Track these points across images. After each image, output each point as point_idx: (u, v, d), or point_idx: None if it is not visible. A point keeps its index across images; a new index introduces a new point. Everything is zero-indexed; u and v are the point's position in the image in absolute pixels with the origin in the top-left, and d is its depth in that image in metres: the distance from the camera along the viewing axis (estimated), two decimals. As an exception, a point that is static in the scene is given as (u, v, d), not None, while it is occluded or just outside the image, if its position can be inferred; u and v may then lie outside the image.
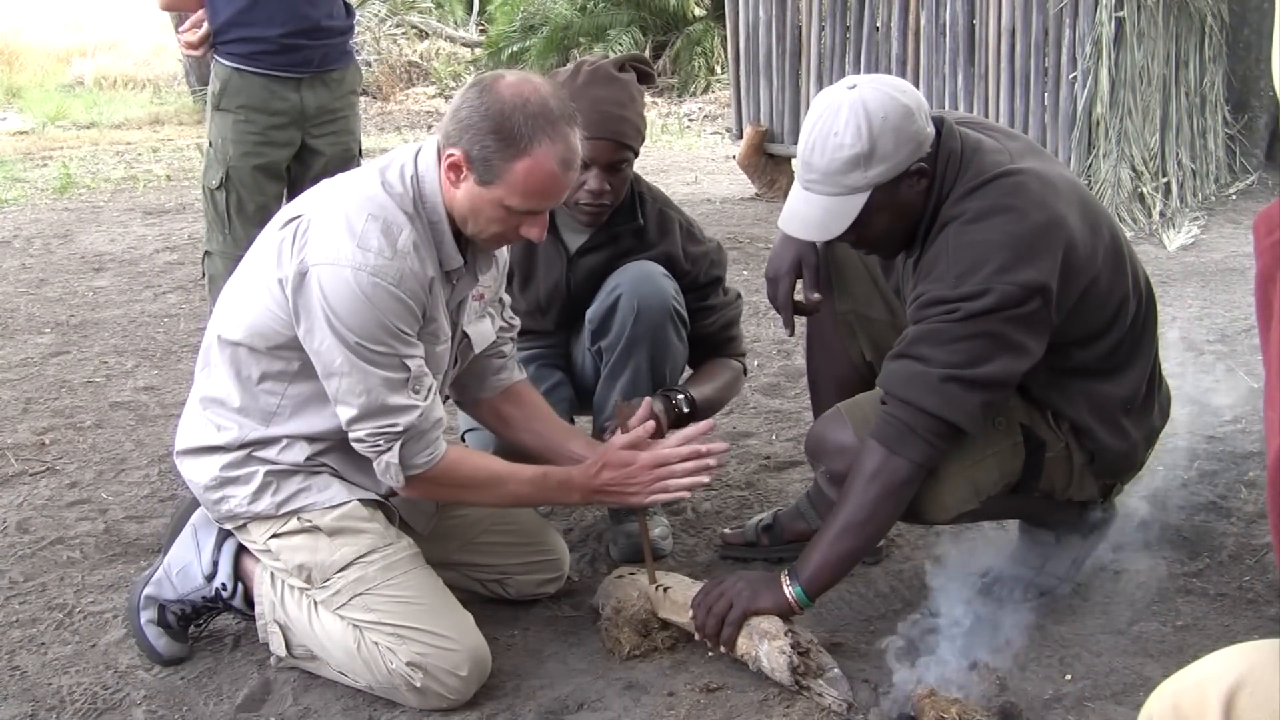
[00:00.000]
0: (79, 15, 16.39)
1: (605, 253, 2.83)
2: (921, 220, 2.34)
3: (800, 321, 2.70)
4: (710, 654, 2.39)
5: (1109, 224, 2.40)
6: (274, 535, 2.35)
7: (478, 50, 13.48)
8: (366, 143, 4.08)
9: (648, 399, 2.60)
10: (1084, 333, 2.37)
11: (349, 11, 3.87)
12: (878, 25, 6.70)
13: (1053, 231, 2.24)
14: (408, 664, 2.26)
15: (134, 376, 4.37)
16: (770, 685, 2.30)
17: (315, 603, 2.36)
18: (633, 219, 2.82)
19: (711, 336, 2.89)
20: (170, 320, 5.10)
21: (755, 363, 4.25)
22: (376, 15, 13.53)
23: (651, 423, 2.49)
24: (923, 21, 6.49)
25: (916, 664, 2.33)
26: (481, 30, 14.11)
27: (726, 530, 2.93)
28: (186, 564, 2.49)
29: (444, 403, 2.47)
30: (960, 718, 2.08)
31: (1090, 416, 2.43)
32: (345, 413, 2.23)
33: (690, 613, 2.38)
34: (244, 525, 2.38)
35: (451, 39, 14.08)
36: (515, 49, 12.14)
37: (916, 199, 2.31)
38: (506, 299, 2.61)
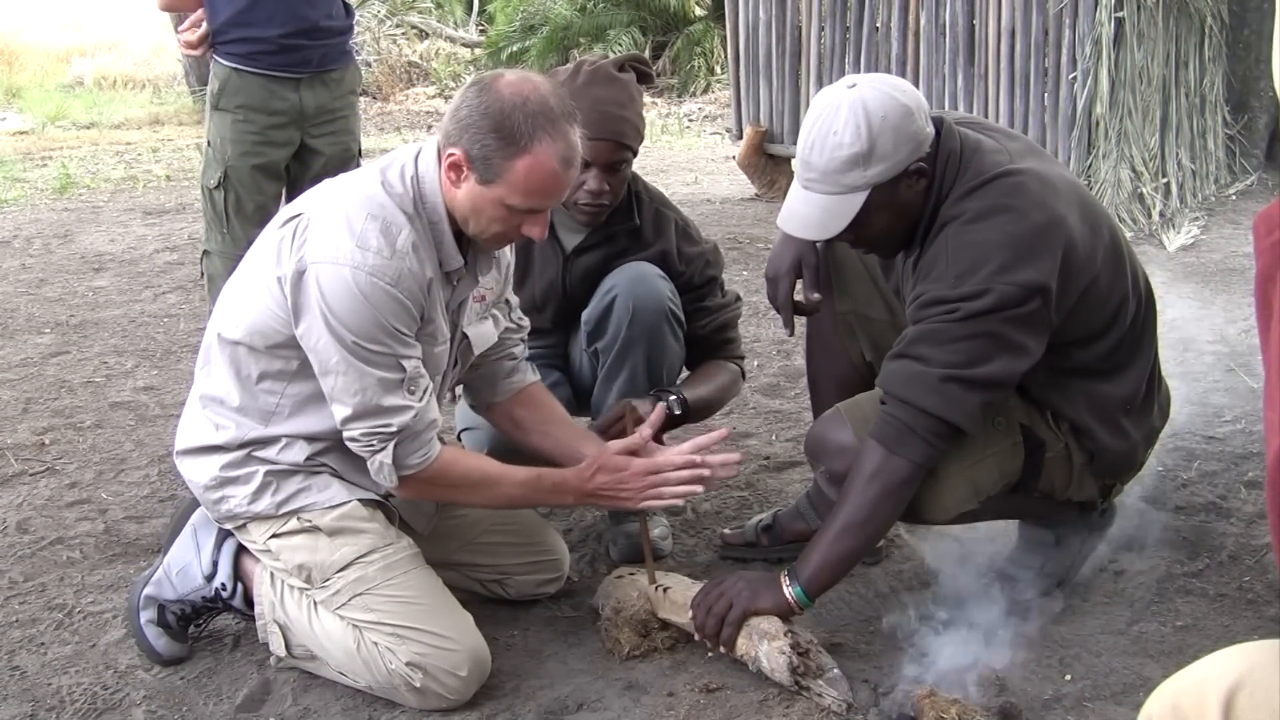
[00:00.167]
0: (79, 15, 16.39)
1: (601, 252, 2.83)
2: (920, 220, 2.34)
3: (800, 321, 2.70)
4: (710, 654, 2.39)
5: (1108, 224, 2.40)
6: (274, 535, 2.35)
7: (477, 50, 13.48)
8: (366, 143, 4.08)
9: (661, 405, 2.60)
10: (1084, 333, 2.37)
11: (348, 11, 3.87)
12: (878, 25, 6.70)
13: (1052, 232, 2.24)
14: (407, 664, 2.26)
15: (134, 376, 4.37)
16: (770, 685, 2.30)
17: (315, 603, 2.36)
18: (629, 219, 2.82)
19: (708, 338, 2.89)
20: (170, 320, 5.10)
21: (755, 363, 4.25)
22: (376, 15, 13.53)
23: (649, 429, 2.48)
24: (923, 22, 6.48)
25: (916, 664, 2.33)
26: (481, 30, 14.12)
27: (726, 530, 2.93)
28: (186, 564, 2.49)
29: (443, 404, 2.47)
30: (960, 718, 2.09)
31: (1090, 416, 2.43)
32: (340, 411, 2.23)
33: (690, 613, 2.38)
34: (244, 525, 2.38)
35: (451, 39, 14.09)
36: (515, 49, 12.14)
37: (915, 199, 2.31)
38: (514, 300, 2.61)
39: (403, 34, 13.79)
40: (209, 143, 3.77)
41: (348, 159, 3.85)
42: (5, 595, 2.79)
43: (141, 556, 2.95)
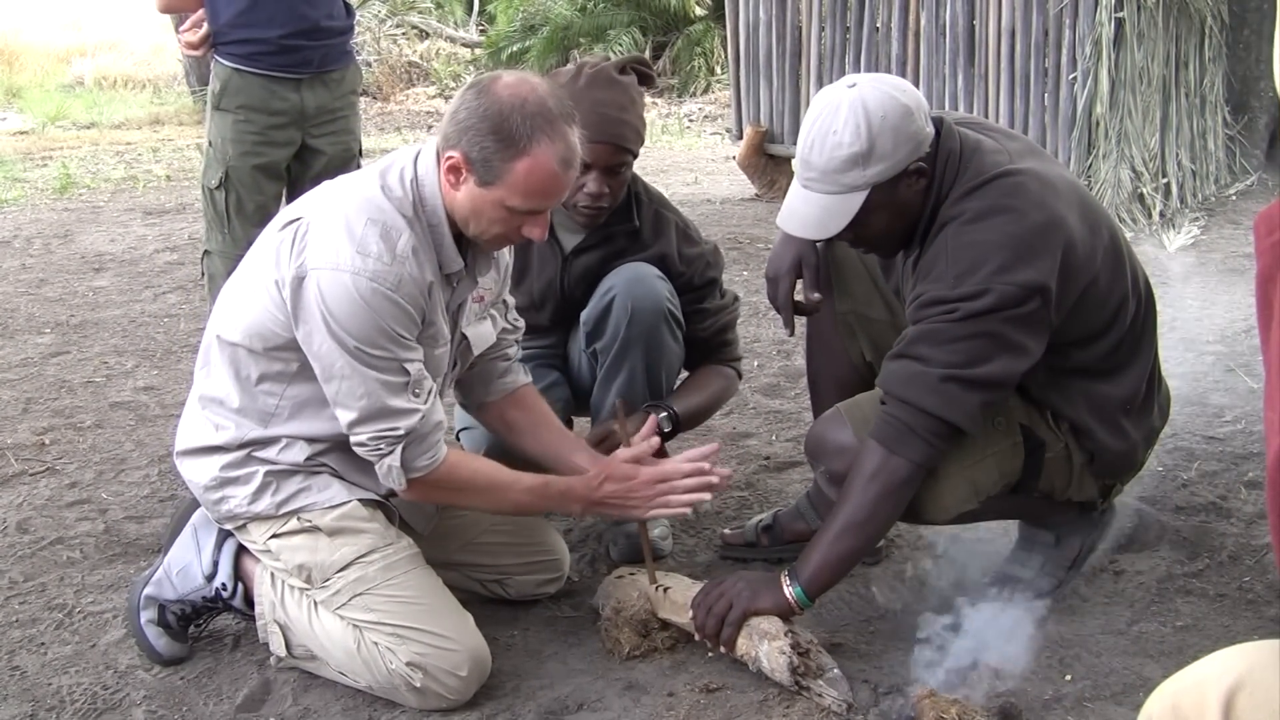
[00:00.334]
0: (79, 15, 16.40)
1: (599, 253, 2.83)
2: (920, 220, 2.34)
3: (800, 321, 2.70)
4: (710, 654, 2.39)
5: (1108, 224, 2.40)
6: (274, 535, 2.35)
7: (478, 50, 13.49)
8: (366, 143, 4.08)
9: (653, 416, 2.61)
10: (1083, 333, 2.37)
11: (349, 12, 3.87)
12: (878, 26, 6.70)
13: (1052, 232, 2.24)
14: (407, 664, 2.26)
15: (134, 376, 4.37)
16: (770, 685, 2.30)
17: (315, 603, 2.36)
18: (628, 220, 2.82)
19: (707, 340, 2.89)
20: (170, 320, 5.10)
21: (755, 363, 4.25)
22: (376, 15, 13.54)
23: (656, 439, 2.49)
24: (923, 22, 6.49)
25: (916, 664, 2.34)
26: (481, 30, 14.12)
27: (726, 531, 2.93)
28: (186, 564, 2.49)
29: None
30: (960, 718, 2.08)
31: (1090, 417, 2.43)
32: (345, 416, 2.23)
33: (690, 613, 2.38)
34: (244, 525, 2.38)
35: (451, 39, 14.09)
36: (515, 49, 12.15)
37: (915, 198, 2.31)
38: (510, 301, 2.61)
39: (403, 34, 13.80)
40: (210, 143, 3.77)
41: (348, 159, 3.85)
42: (5, 595, 2.79)
43: (142, 556, 2.95)
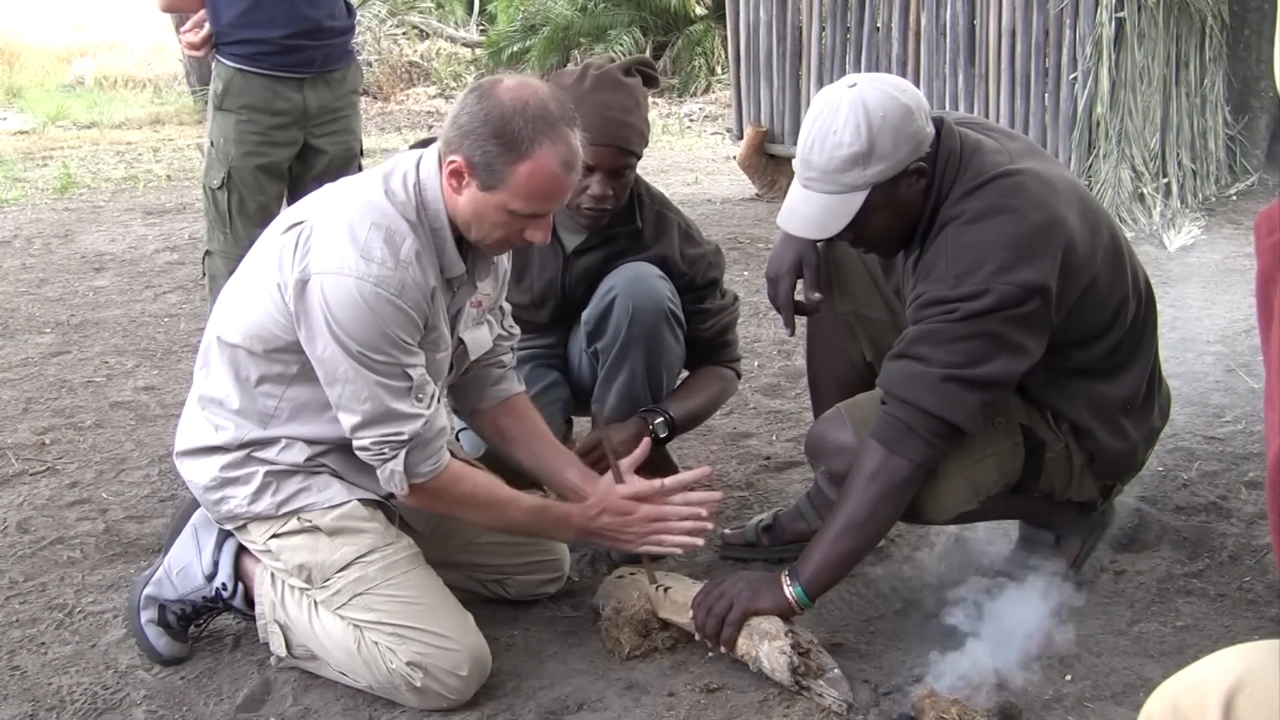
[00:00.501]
0: (79, 15, 16.41)
1: (601, 253, 2.83)
2: (920, 220, 2.34)
3: (800, 321, 2.70)
4: (710, 654, 2.39)
5: (1108, 224, 2.40)
6: (274, 535, 2.35)
7: (478, 50, 13.49)
8: (367, 143, 4.08)
9: (647, 440, 2.61)
10: (1084, 333, 2.37)
11: (350, 11, 3.88)
12: (878, 26, 6.70)
13: (1052, 232, 2.24)
14: (408, 664, 2.26)
15: (134, 376, 4.37)
16: (770, 685, 2.30)
17: (315, 603, 2.36)
18: (630, 221, 2.82)
19: (707, 341, 2.89)
20: (170, 320, 5.10)
21: (755, 363, 4.25)
22: (377, 15, 13.55)
23: (659, 483, 2.48)
24: (923, 22, 6.49)
25: (916, 664, 2.34)
26: (482, 30, 14.13)
27: (726, 531, 2.93)
28: (187, 564, 2.49)
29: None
30: (960, 718, 2.08)
31: (1090, 417, 2.43)
32: (348, 420, 2.23)
33: (690, 613, 2.38)
34: (244, 525, 2.38)
35: (452, 39, 14.10)
36: (516, 49, 12.16)
37: (915, 198, 2.31)
38: (507, 307, 2.61)
39: (403, 34, 13.80)
40: (212, 143, 3.77)
41: (350, 158, 3.86)
42: (6, 595, 2.79)
43: (142, 556, 2.95)
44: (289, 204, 3.51)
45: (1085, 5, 5.95)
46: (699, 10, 12.54)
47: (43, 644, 2.58)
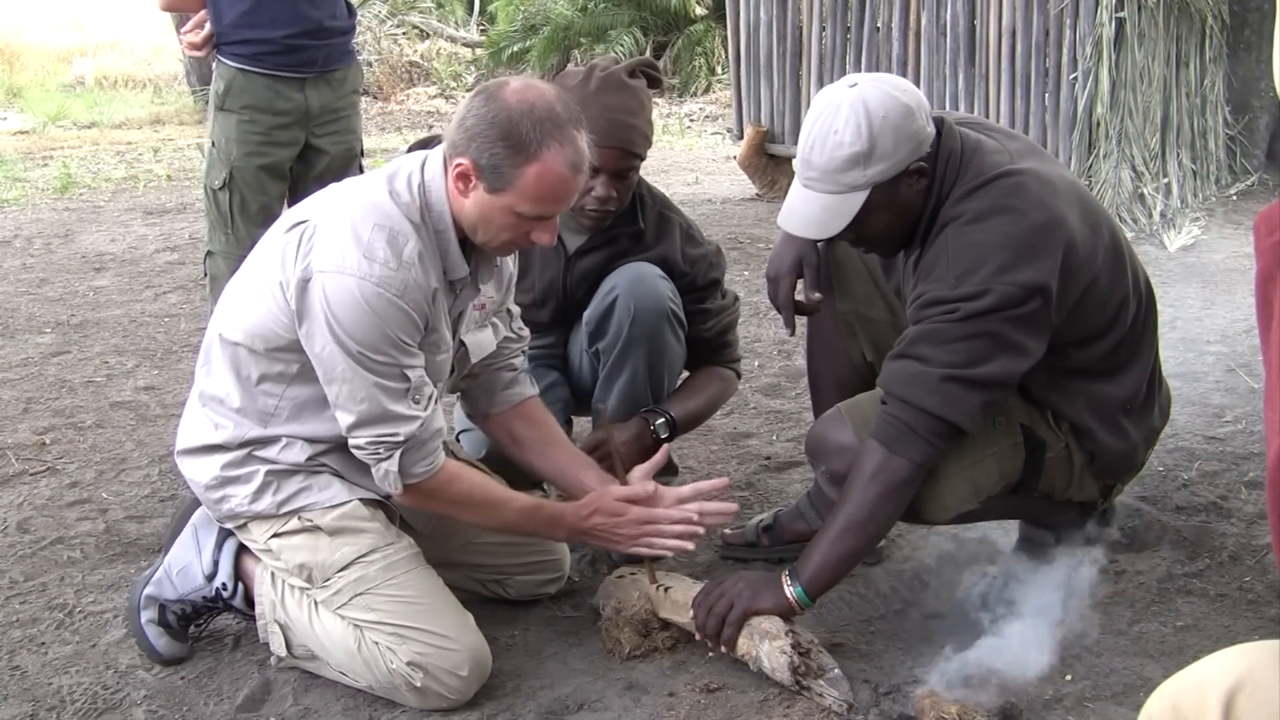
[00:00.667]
0: (80, 15, 16.41)
1: (603, 254, 2.83)
2: (921, 220, 2.34)
3: (801, 321, 2.70)
4: (710, 654, 2.39)
5: (1109, 224, 2.41)
6: (275, 534, 2.35)
7: (478, 50, 13.49)
8: (367, 143, 4.09)
9: (666, 447, 2.62)
10: (1084, 333, 2.37)
11: (351, 11, 3.88)
12: (878, 26, 6.70)
13: (1052, 232, 2.24)
14: (408, 664, 2.26)
15: (134, 376, 4.37)
16: (770, 685, 2.30)
17: (315, 602, 2.36)
18: (632, 222, 2.83)
19: (708, 341, 2.89)
20: (171, 320, 5.10)
21: (756, 363, 4.25)
22: (377, 15, 13.54)
23: (653, 485, 2.49)
24: (923, 22, 6.49)
25: (916, 664, 2.34)
26: (482, 30, 14.12)
27: (727, 530, 2.93)
28: (187, 564, 2.49)
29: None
30: (960, 717, 2.08)
31: (1090, 417, 2.43)
32: (345, 419, 2.24)
33: (691, 613, 2.38)
34: (245, 524, 2.38)
35: (452, 39, 14.09)
36: (516, 49, 12.15)
37: (916, 198, 2.31)
38: (515, 310, 2.61)
39: (403, 34, 13.80)
40: (213, 143, 3.77)
41: (350, 158, 3.86)
42: (6, 595, 2.79)
43: (142, 556, 2.95)
44: (290, 204, 3.52)
45: (1085, 5, 5.95)
46: (699, 10, 12.54)
47: (43, 644, 2.58)
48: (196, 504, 2.51)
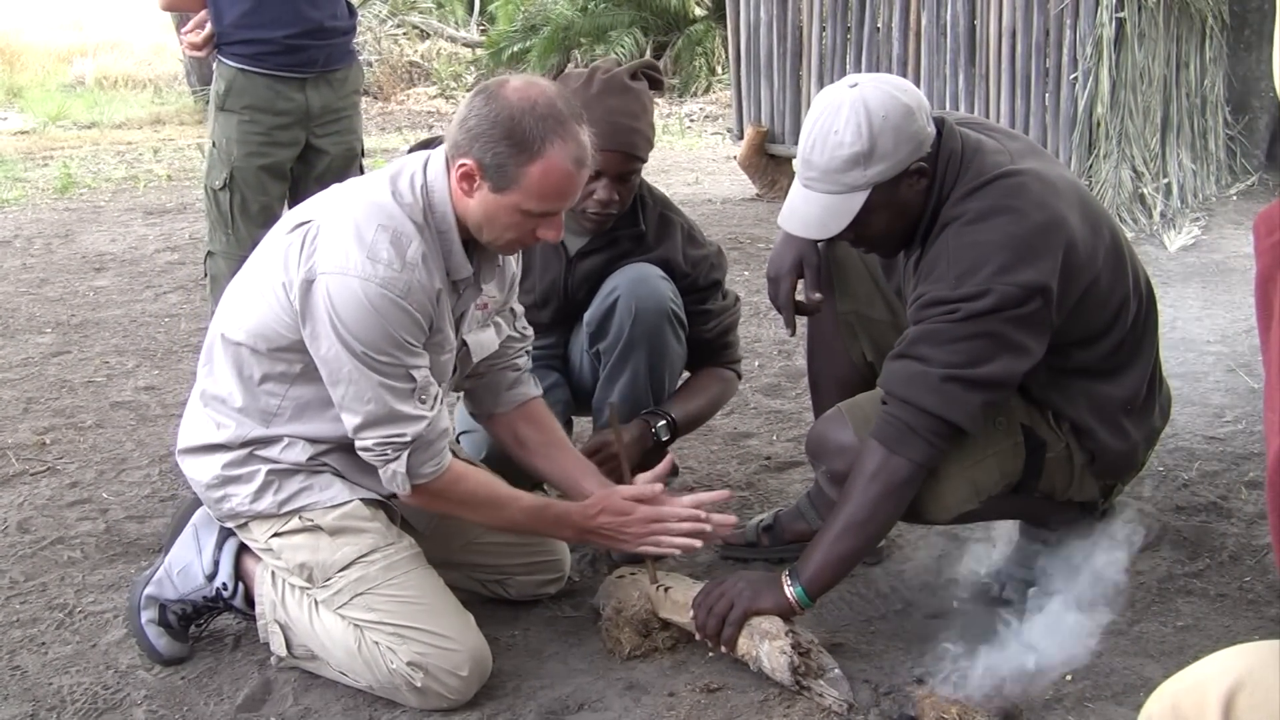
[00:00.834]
0: (80, 15, 16.42)
1: (604, 255, 2.83)
2: (921, 220, 2.34)
3: (801, 321, 2.70)
4: (711, 654, 2.39)
5: (1109, 224, 2.41)
6: (275, 534, 2.35)
7: (479, 50, 13.49)
8: (367, 143, 4.09)
9: (670, 457, 2.62)
10: (1084, 333, 2.37)
11: (351, 12, 3.88)
12: (879, 26, 6.70)
13: (1053, 232, 2.24)
14: (408, 664, 2.26)
15: (135, 376, 4.37)
16: (771, 685, 2.30)
17: (316, 602, 2.36)
18: (634, 224, 2.83)
19: (709, 342, 2.90)
20: (171, 320, 5.10)
21: (756, 363, 4.25)
22: (377, 15, 13.55)
23: (660, 485, 2.49)
24: (924, 22, 6.48)
25: (916, 664, 2.34)
26: (482, 30, 14.12)
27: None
28: (187, 564, 2.49)
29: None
30: (960, 718, 2.09)
31: (1091, 417, 2.43)
32: (351, 420, 2.24)
33: (691, 613, 2.38)
34: (245, 524, 2.39)
35: (452, 39, 14.09)
36: (516, 49, 12.14)
37: (916, 198, 2.31)
38: (519, 309, 2.61)
39: (404, 34, 13.81)
40: (214, 144, 3.77)
41: (351, 159, 3.86)
42: (6, 595, 2.79)
43: (142, 556, 2.95)
44: (290, 204, 3.52)
45: (1085, 5, 5.95)
46: (698, 11, 12.53)
47: (43, 644, 2.58)
48: (197, 504, 2.51)
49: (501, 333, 2.53)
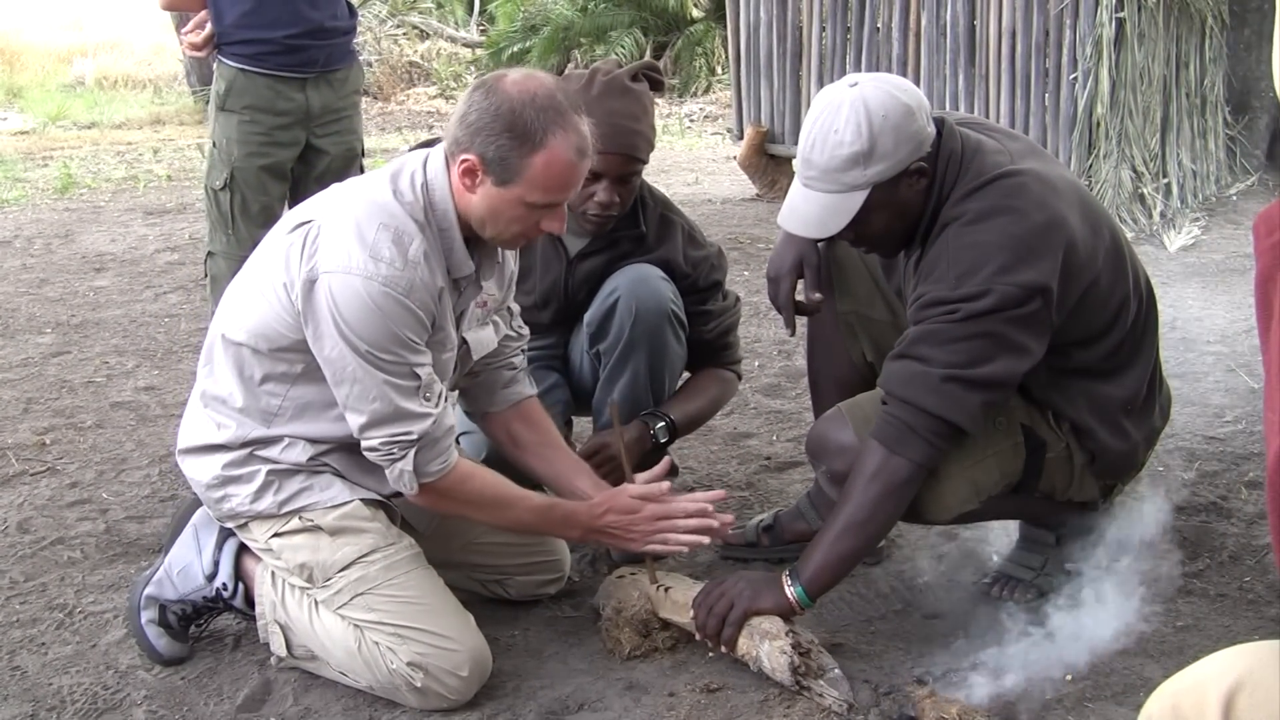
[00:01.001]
0: (80, 15, 16.41)
1: (605, 257, 2.83)
2: (921, 219, 2.34)
3: (801, 321, 2.70)
4: (711, 654, 2.39)
5: (1109, 225, 2.41)
6: (275, 534, 2.35)
7: (478, 50, 13.49)
8: (367, 143, 4.09)
9: (669, 458, 2.62)
10: (1084, 333, 2.37)
11: (352, 12, 3.88)
12: (878, 26, 6.70)
13: (1053, 232, 2.24)
14: (408, 664, 2.26)
15: (134, 376, 4.37)
16: (771, 686, 2.30)
17: (316, 602, 2.36)
18: (634, 225, 2.83)
19: (709, 343, 2.90)
20: (171, 320, 5.10)
21: (756, 363, 4.25)
22: (377, 16, 13.55)
23: (666, 484, 2.49)
24: (923, 22, 6.49)
25: (916, 664, 2.33)
26: (482, 30, 14.12)
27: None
28: (187, 564, 2.49)
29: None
30: (960, 718, 2.09)
31: (1091, 417, 2.43)
32: (356, 420, 2.23)
33: (691, 613, 2.38)
34: (245, 524, 2.39)
35: (452, 39, 14.09)
36: (516, 49, 12.14)
37: (916, 198, 2.31)
38: (515, 308, 2.61)
39: (403, 34, 13.81)
40: (214, 144, 3.77)
41: (351, 159, 3.86)
42: (6, 595, 2.79)
43: (142, 556, 2.95)
44: (291, 205, 3.52)
45: (1085, 5, 5.95)
46: (695, 13, 12.53)
47: (43, 644, 2.58)
48: (197, 504, 2.51)
49: (500, 331, 2.53)
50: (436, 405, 2.25)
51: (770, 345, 4.49)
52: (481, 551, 2.61)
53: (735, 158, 7.57)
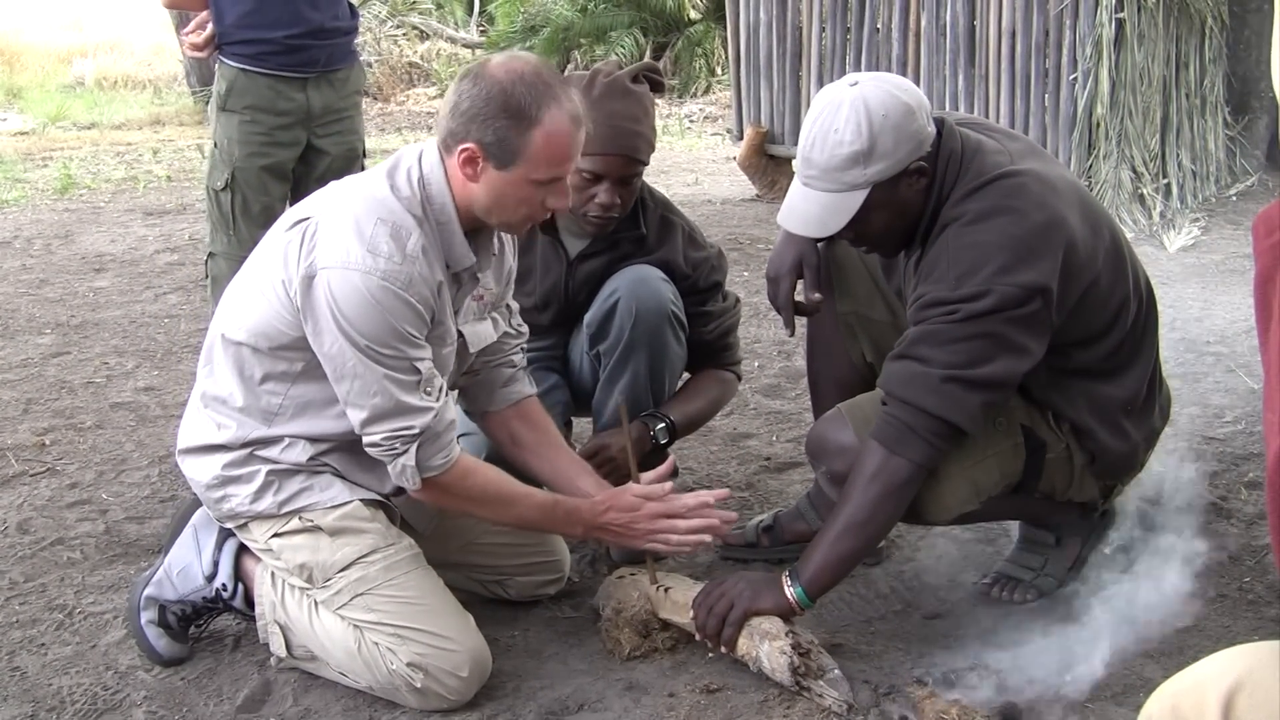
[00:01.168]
0: (80, 15, 16.42)
1: (605, 258, 2.83)
2: (921, 219, 2.34)
3: (801, 322, 2.70)
4: (711, 655, 2.39)
5: (1109, 225, 2.41)
6: (275, 534, 2.35)
7: (478, 51, 13.49)
8: (367, 143, 4.09)
9: (672, 458, 2.62)
10: (1084, 334, 2.37)
11: (353, 12, 3.88)
12: (878, 26, 6.71)
13: (1053, 232, 2.24)
14: (408, 664, 2.26)
15: (134, 377, 4.37)
16: (771, 686, 2.30)
17: (316, 603, 2.36)
18: (635, 226, 2.83)
19: (709, 344, 2.89)
20: (171, 321, 5.10)
21: (756, 363, 4.25)
22: (377, 16, 13.55)
23: (669, 484, 2.49)
24: (923, 23, 6.49)
25: (916, 664, 2.33)
26: (482, 31, 14.13)
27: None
28: (187, 564, 2.49)
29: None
30: (960, 718, 2.08)
31: (1091, 417, 2.43)
32: (357, 415, 2.23)
33: (691, 613, 2.38)
34: (245, 524, 2.38)
35: (452, 40, 14.10)
36: (516, 50, 12.14)
37: (916, 198, 2.31)
38: (514, 306, 2.61)
39: (403, 34, 13.81)
40: (215, 144, 3.77)
41: (352, 159, 3.86)
42: (6, 596, 2.79)
43: (142, 557, 2.95)
44: (292, 205, 3.51)
45: (1085, 6, 5.95)
46: (693, 14, 12.53)
47: (43, 645, 2.58)
48: (197, 504, 2.51)
49: (498, 327, 2.53)
50: (437, 400, 2.25)
51: (770, 345, 4.49)
52: (481, 552, 2.61)
53: (735, 158, 7.57)
